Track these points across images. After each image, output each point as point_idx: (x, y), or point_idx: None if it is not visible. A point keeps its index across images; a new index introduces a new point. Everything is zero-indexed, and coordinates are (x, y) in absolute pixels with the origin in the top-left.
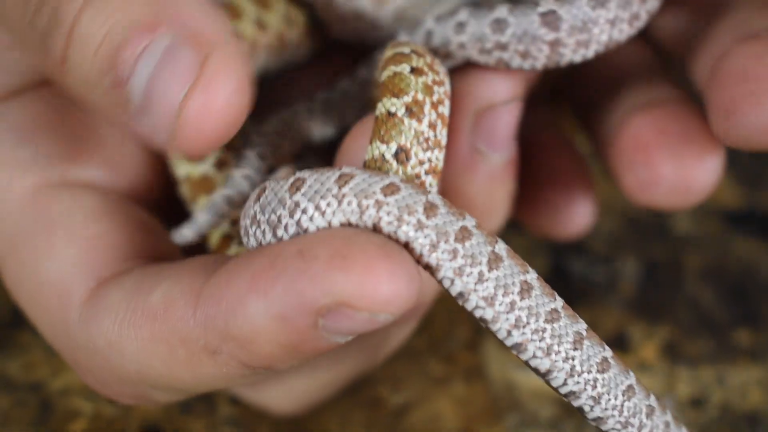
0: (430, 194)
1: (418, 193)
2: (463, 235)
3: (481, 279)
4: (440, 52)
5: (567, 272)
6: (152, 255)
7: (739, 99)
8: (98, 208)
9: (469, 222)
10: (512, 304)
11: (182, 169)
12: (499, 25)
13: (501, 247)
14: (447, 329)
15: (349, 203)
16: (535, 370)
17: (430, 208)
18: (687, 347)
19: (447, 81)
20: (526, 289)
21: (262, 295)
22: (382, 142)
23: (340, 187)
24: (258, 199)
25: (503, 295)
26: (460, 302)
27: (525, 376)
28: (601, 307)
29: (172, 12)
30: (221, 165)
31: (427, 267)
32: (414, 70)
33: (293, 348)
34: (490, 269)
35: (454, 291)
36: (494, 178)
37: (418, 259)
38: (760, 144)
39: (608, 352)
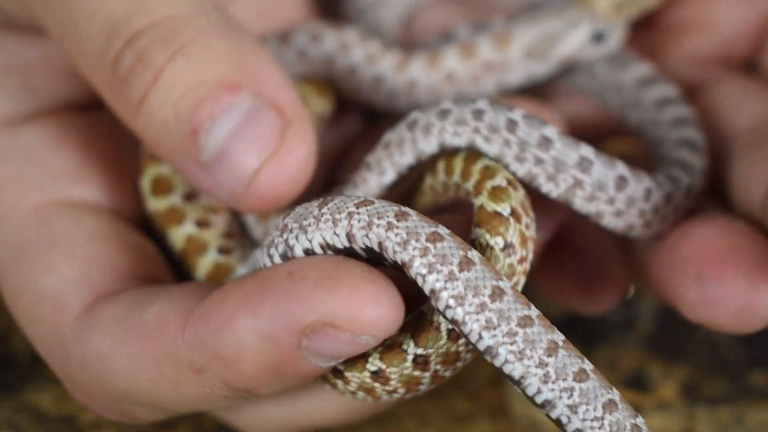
0: (403, 207)
1: (391, 204)
2: (435, 237)
3: (451, 278)
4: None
5: (585, 313)
6: (146, 277)
7: None
8: (98, 229)
9: (442, 230)
10: (483, 305)
11: (150, 205)
12: (479, 114)
13: (474, 254)
14: (470, 366)
15: (325, 220)
16: (510, 378)
17: (401, 215)
18: (705, 387)
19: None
20: (498, 294)
21: (250, 313)
22: None
23: (320, 209)
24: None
25: (473, 296)
26: (433, 302)
27: None
28: (619, 347)
29: (254, 74)
30: (190, 198)
31: (403, 266)
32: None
33: (276, 369)
34: (461, 270)
35: (427, 288)
36: None
37: (393, 258)
38: None
39: (588, 365)
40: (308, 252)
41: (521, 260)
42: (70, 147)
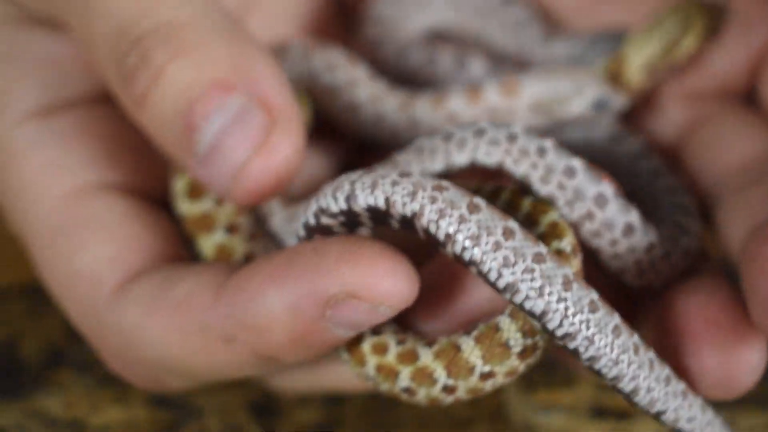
0: (404, 171)
1: (394, 170)
2: (440, 187)
3: (463, 220)
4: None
5: None
6: (172, 256)
7: None
8: (129, 210)
9: (446, 183)
10: (497, 244)
11: (182, 208)
12: (512, 138)
13: (478, 200)
14: None
15: (325, 190)
16: (531, 314)
17: (404, 174)
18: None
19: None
20: (509, 233)
21: (278, 286)
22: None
23: (329, 185)
24: None
25: (488, 236)
26: (449, 247)
27: (545, 419)
28: None
29: (248, 75)
30: (221, 200)
31: (414, 216)
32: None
33: (302, 338)
34: (471, 212)
35: (441, 234)
36: None
37: (401, 211)
38: None
39: (595, 295)
40: (306, 225)
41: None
42: (100, 134)
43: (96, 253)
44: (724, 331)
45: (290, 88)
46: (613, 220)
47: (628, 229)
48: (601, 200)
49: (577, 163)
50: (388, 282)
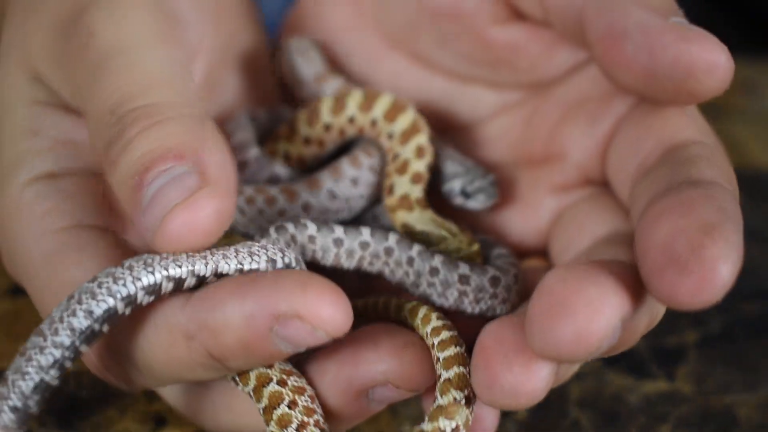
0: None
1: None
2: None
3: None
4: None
5: None
6: None
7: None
8: (109, 238)
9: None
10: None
11: None
12: (389, 251)
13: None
14: None
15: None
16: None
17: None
18: None
19: None
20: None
21: (239, 298)
22: None
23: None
24: None
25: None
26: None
27: None
28: (500, 430)
29: (196, 150)
30: None
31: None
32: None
33: (249, 346)
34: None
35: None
36: None
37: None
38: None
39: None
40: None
41: None
42: (90, 191)
43: (85, 265)
44: (511, 346)
45: (232, 167)
46: (447, 279)
47: (464, 279)
48: (433, 271)
49: (438, 261)
50: (328, 310)
